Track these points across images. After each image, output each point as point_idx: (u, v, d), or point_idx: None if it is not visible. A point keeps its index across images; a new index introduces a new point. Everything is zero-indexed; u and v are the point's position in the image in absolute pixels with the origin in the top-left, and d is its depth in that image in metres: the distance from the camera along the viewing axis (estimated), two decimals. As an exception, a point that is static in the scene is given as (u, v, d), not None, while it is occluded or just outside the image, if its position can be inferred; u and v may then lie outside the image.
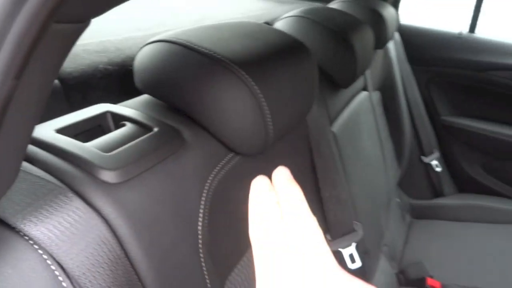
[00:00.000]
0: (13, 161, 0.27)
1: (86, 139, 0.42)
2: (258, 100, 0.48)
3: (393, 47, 1.53)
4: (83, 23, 0.28)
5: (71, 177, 0.37)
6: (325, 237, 0.46)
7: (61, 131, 0.43)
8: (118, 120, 0.48)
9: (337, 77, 0.92)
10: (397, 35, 1.59)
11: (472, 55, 1.47)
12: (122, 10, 0.43)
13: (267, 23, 1.01)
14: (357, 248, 0.83)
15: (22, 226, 0.32)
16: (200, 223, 0.46)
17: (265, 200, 0.29)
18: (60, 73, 0.56)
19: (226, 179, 0.51)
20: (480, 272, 1.20)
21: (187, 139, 0.48)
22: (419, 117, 1.56)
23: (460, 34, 1.50)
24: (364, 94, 1.21)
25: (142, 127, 0.47)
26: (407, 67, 1.56)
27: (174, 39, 0.50)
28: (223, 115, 0.48)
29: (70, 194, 0.35)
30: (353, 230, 0.83)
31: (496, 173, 1.53)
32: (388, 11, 1.26)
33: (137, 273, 0.38)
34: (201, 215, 0.46)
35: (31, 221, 0.32)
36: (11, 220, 0.32)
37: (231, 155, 0.53)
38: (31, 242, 0.32)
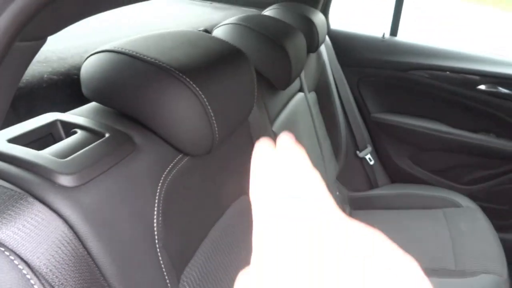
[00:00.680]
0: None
1: (38, 148, 0.44)
2: (203, 104, 0.52)
3: (325, 50, 1.63)
4: (42, 40, 0.31)
5: (29, 183, 0.39)
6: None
7: (13, 140, 0.44)
8: (69, 128, 0.50)
9: (274, 80, 0.99)
10: (328, 39, 1.69)
11: (395, 56, 1.61)
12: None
13: (206, 30, 1.05)
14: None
15: None
16: (155, 221, 0.49)
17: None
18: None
19: (177, 179, 0.55)
20: (414, 253, 1.31)
21: (138, 143, 0.51)
22: (352, 115, 1.68)
23: (383, 37, 1.63)
24: (300, 95, 1.30)
25: (94, 133, 0.49)
26: (338, 69, 1.67)
27: (120, 49, 0.53)
28: (171, 119, 0.52)
29: (31, 199, 0.37)
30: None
31: (422, 164, 1.69)
32: (318, 17, 1.35)
33: (99, 269, 0.40)
34: (155, 213, 0.49)
35: None
36: None
37: (180, 156, 0.57)
38: None
